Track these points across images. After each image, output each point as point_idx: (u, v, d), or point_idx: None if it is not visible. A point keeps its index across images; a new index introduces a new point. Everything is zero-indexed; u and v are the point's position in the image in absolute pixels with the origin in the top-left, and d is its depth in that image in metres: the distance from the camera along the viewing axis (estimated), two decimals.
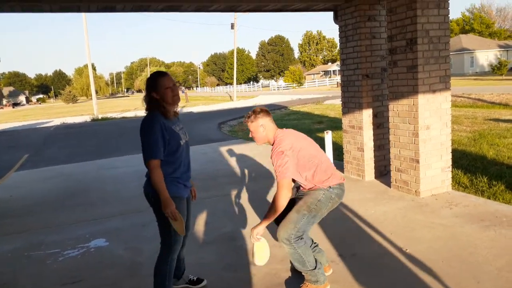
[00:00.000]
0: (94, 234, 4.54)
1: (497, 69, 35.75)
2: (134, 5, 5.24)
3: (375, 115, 5.84)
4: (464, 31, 62.79)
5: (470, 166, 6.27)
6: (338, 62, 71.45)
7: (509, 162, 6.35)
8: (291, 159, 2.84)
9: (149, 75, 2.78)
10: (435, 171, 4.94)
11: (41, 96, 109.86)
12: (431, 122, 4.88)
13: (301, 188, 3.06)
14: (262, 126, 2.97)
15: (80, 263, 3.81)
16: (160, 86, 2.68)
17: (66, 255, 4.01)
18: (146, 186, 2.76)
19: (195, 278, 3.21)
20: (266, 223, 2.84)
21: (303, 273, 3.01)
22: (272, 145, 2.97)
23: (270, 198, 5.37)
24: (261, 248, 2.91)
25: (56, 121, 26.34)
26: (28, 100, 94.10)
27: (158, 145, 2.59)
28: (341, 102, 6.25)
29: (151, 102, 2.70)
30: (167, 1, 5.17)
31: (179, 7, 5.56)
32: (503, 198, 4.71)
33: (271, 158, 2.90)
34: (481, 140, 8.20)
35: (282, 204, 2.78)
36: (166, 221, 2.66)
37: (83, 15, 27.19)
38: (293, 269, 3.29)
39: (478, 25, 64.94)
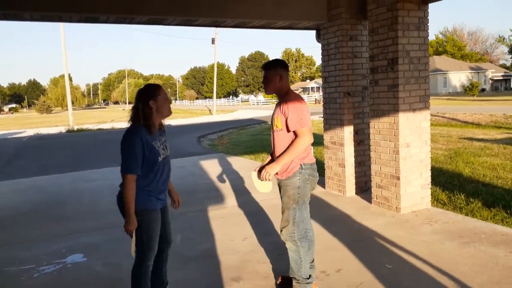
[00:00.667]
0: (70, 249, 4.38)
1: (469, 90, 37.09)
2: (118, 16, 5.19)
3: (356, 132, 5.93)
4: (437, 53, 64.99)
5: (447, 183, 6.41)
6: (316, 80, 72.36)
7: (484, 180, 6.53)
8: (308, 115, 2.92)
9: (143, 87, 2.76)
10: (415, 188, 5.03)
11: (13, 105, 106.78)
12: (411, 140, 4.98)
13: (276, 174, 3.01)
14: (280, 75, 3.00)
15: (56, 280, 3.66)
16: (159, 97, 2.70)
17: (42, 271, 3.84)
18: (119, 196, 2.77)
19: None
20: (281, 163, 2.88)
21: (293, 282, 3.00)
22: (283, 96, 3.01)
23: (250, 213, 5.34)
24: (263, 184, 3.05)
25: (30, 132, 25.63)
26: None
27: (137, 160, 2.61)
28: (322, 119, 6.32)
29: (141, 112, 2.66)
30: (152, 14, 5.15)
31: (164, 20, 5.55)
32: (481, 215, 4.82)
33: (283, 106, 2.93)
34: (457, 158, 8.42)
35: (303, 148, 2.87)
36: (137, 230, 2.69)
37: (61, 25, 26.83)
38: (279, 285, 3.26)
39: (450, 47, 67.40)
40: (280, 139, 2.99)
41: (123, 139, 2.63)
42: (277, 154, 3.02)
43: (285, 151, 2.91)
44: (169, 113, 2.80)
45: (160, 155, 2.73)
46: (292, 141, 2.91)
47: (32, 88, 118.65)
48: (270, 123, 3.21)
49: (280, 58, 3.16)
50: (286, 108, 2.90)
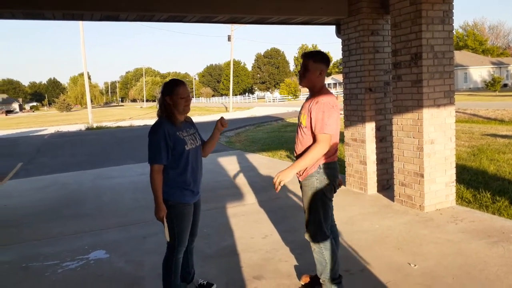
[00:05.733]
0: (93, 246, 4.42)
1: (490, 85, 36.15)
2: (138, 14, 5.21)
3: (377, 129, 5.82)
4: (458, 48, 63.64)
5: (472, 181, 6.25)
6: (333, 76, 71.84)
7: (510, 178, 6.34)
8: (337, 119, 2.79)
9: (168, 80, 2.89)
10: (439, 185, 4.91)
11: (34, 104, 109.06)
12: (435, 137, 4.86)
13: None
14: (321, 70, 2.88)
15: (80, 276, 3.69)
16: (175, 94, 2.79)
17: (65, 267, 3.89)
18: None
19: (205, 283, 3.27)
20: (294, 170, 2.76)
21: (321, 281, 2.97)
22: (315, 92, 2.88)
23: (270, 210, 5.30)
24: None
25: (50, 129, 26.11)
26: (21, 108, 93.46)
27: (160, 151, 2.71)
28: (343, 115, 6.22)
29: (162, 106, 2.82)
30: (172, 11, 5.16)
31: (184, 17, 5.55)
32: (508, 214, 4.68)
33: (312, 103, 2.79)
34: (480, 155, 8.21)
35: (318, 157, 2.75)
36: (169, 221, 2.79)
37: (80, 24, 27.22)
38: (307, 284, 3.22)
39: (471, 42, 65.91)
40: (303, 137, 2.88)
41: (149, 133, 2.76)
42: (297, 151, 2.95)
43: (302, 154, 2.81)
44: (185, 111, 2.84)
45: (188, 145, 2.83)
46: (311, 145, 2.79)
47: (52, 86, 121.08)
48: (297, 119, 3.08)
49: (324, 52, 2.97)
50: (315, 106, 2.75)
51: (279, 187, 2.71)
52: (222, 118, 3.02)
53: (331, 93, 2.87)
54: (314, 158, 2.74)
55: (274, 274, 3.48)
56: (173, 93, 2.78)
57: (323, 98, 2.78)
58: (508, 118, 15.84)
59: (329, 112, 2.73)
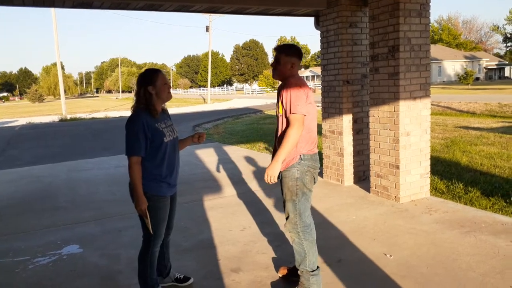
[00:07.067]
0: (66, 240, 4.30)
1: (463, 79, 37.11)
2: (113, 2, 5.05)
3: (355, 121, 5.86)
4: (432, 41, 64.89)
5: (445, 172, 6.39)
6: (311, 68, 72.01)
7: (482, 169, 6.52)
8: (307, 103, 2.79)
9: (143, 71, 2.82)
10: (414, 177, 4.99)
11: (5, 94, 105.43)
12: (411, 129, 4.93)
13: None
14: (293, 64, 2.90)
15: (52, 272, 3.58)
16: (158, 80, 2.75)
17: (37, 263, 3.77)
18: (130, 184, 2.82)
19: (181, 277, 3.23)
20: (279, 162, 2.77)
21: (299, 273, 2.97)
22: (285, 80, 2.89)
23: (249, 203, 5.29)
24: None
25: (22, 121, 25.34)
26: None
27: (139, 142, 2.66)
28: (321, 108, 6.24)
29: (142, 97, 2.73)
30: None
31: (160, 6, 5.41)
32: (480, 204, 4.81)
33: (282, 91, 2.82)
34: (453, 147, 8.41)
35: (295, 139, 2.74)
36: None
37: (52, 11, 26.35)
38: (282, 277, 3.22)
39: (446, 35, 67.33)
40: (284, 125, 2.89)
41: (126, 124, 2.71)
42: (278, 141, 2.94)
43: (281, 137, 2.82)
44: (168, 97, 2.84)
45: (166, 137, 2.79)
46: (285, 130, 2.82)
47: (24, 76, 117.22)
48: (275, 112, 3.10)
49: (296, 45, 3.02)
50: (284, 91, 2.81)
51: (274, 181, 2.79)
52: (203, 135, 3.02)
53: (300, 78, 2.91)
54: (293, 141, 2.74)
55: (252, 266, 3.47)
56: (156, 81, 2.73)
57: (290, 81, 2.84)
58: (479, 111, 16.30)
59: (296, 92, 2.76)
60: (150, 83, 2.73)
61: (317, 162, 2.98)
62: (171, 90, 2.93)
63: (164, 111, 2.92)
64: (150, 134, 2.69)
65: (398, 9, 4.73)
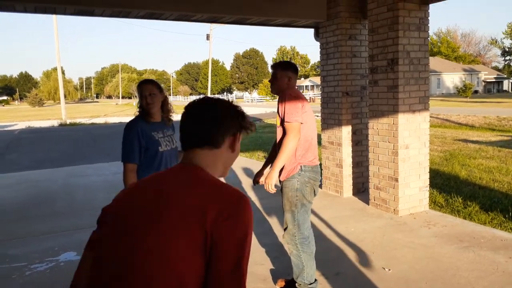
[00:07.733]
0: (63, 247, 4.28)
1: (462, 92, 37.27)
2: (114, 10, 5.09)
3: (354, 132, 5.88)
4: (431, 54, 65.30)
5: (444, 185, 6.39)
6: (311, 78, 72.18)
7: (480, 183, 6.53)
8: (302, 111, 2.85)
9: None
10: (413, 190, 4.99)
11: (4, 98, 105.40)
12: (410, 142, 4.94)
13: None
14: (289, 77, 2.99)
15: (48, 278, 3.56)
16: (140, 92, 2.84)
17: (34, 269, 3.75)
18: None
19: None
20: (277, 170, 2.82)
21: (296, 286, 2.97)
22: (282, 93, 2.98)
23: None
24: None
25: (21, 125, 25.31)
26: None
27: (133, 149, 2.69)
28: (320, 118, 6.26)
29: (140, 106, 2.84)
30: (149, 8, 5.05)
31: (161, 15, 5.45)
32: (479, 219, 4.80)
33: (279, 102, 2.91)
34: (452, 160, 8.42)
35: (292, 147, 2.78)
36: None
37: (54, 17, 26.49)
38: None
39: (445, 48, 67.74)
40: (280, 136, 2.95)
41: (123, 130, 2.76)
42: (277, 151, 2.96)
43: (280, 152, 2.85)
44: (147, 108, 2.81)
45: (162, 146, 2.79)
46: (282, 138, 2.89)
47: (24, 80, 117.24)
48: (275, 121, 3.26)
49: (292, 62, 3.17)
50: (280, 102, 2.90)
51: (273, 190, 2.84)
52: None
53: (295, 90, 2.99)
54: (290, 150, 2.79)
55: (250, 278, 3.44)
56: (139, 92, 2.84)
57: (286, 93, 2.92)
58: (478, 124, 16.35)
59: (291, 102, 2.84)
60: (138, 93, 2.87)
61: (318, 174, 3.00)
62: (171, 97, 3.00)
63: (167, 120, 2.94)
64: (144, 142, 2.72)
65: (397, 22, 4.77)
